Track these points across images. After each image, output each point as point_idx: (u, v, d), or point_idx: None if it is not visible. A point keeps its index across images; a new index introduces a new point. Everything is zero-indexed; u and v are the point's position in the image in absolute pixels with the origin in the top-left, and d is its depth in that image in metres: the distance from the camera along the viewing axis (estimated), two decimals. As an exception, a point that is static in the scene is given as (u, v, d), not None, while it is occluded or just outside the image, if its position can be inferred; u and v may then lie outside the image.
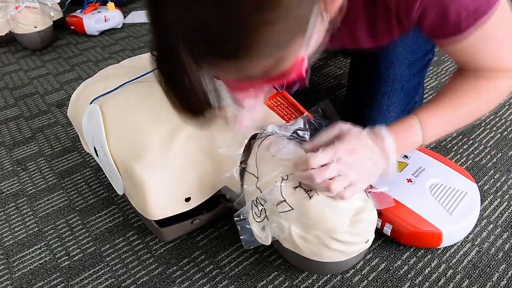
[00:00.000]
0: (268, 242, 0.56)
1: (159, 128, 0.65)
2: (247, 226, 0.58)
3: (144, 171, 0.62)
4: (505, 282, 0.63)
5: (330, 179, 0.53)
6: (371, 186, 0.60)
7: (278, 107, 0.69)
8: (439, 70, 1.22)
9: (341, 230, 0.54)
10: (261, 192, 0.57)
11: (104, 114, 0.69)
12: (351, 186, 0.55)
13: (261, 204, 0.56)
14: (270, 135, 0.62)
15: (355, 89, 0.91)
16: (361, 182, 0.56)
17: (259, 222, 0.56)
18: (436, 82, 1.16)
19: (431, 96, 1.08)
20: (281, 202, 0.54)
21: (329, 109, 0.66)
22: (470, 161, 0.86)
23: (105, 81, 0.77)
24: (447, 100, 0.63)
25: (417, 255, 0.68)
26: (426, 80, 1.17)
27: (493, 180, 0.82)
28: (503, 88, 0.64)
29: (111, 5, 1.65)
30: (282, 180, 0.56)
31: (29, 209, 0.83)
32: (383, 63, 0.83)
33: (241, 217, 0.58)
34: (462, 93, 0.63)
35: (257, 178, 0.59)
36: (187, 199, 0.64)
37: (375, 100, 0.84)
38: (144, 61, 0.86)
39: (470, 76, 0.64)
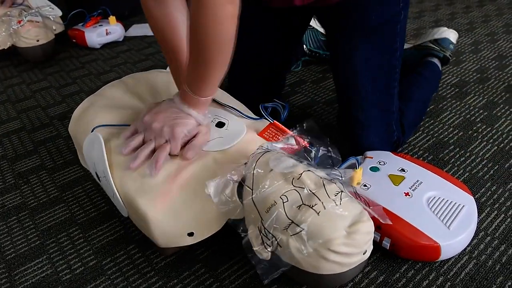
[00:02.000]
0: (268, 258, 0.57)
1: (165, 166, 0.67)
2: (262, 260, 0.58)
3: (148, 207, 0.63)
4: (503, 294, 0.64)
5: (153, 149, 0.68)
6: (367, 204, 0.61)
7: (273, 137, 0.72)
8: (459, 69, 1.27)
9: (338, 242, 0.54)
10: (255, 206, 0.58)
11: (110, 147, 0.71)
12: (172, 140, 0.67)
13: (269, 232, 0.57)
14: (267, 151, 0.63)
15: (340, 110, 0.95)
16: (177, 131, 0.67)
17: (270, 252, 0.57)
18: (457, 79, 1.20)
19: (453, 93, 1.10)
20: (290, 224, 0.55)
21: (313, 127, 0.69)
22: (467, 174, 0.87)
23: (110, 112, 0.79)
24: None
25: (415, 268, 0.69)
26: (447, 77, 1.20)
27: (490, 192, 0.82)
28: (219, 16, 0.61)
29: (112, 18, 1.68)
30: (283, 202, 0.56)
31: (31, 222, 0.84)
32: (348, 84, 0.88)
33: (254, 249, 0.58)
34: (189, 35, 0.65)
35: (252, 190, 0.60)
36: (190, 234, 0.65)
37: (354, 119, 0.88)
38: (147, 82, 0.87)
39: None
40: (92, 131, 0.75)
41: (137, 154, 0.67)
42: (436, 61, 1.14)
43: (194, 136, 0.70)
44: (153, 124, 0.68)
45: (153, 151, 0.68)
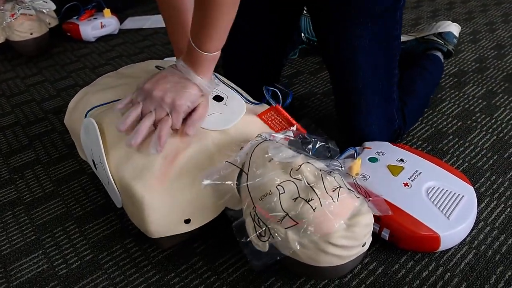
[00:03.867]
0: (266, 249, 0.56)
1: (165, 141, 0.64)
2: (253, 248, 0.57)
3: (144, 192, 0.62)
4: (503, 284, 0.63)
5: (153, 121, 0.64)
6: (368, 195, 0.60)
7: (272, 121, 0.71)
8: (458, 59, 1.27)
9: (337, 234, 0.54)
10: (249, 192, 0.57)
11: (104, 129, 0.69)
12: (174, 113, 0.63)
13: (263, 223, 0.56)
14: (266, 140, 0.62)
15: (338, 100, 0.93)
16: (179, 104, 0.63)
17: (265, 241, 0.56)
18: (456, 69, 1.20)
19: (451, 83, 1.09)
20: (284, 217, 0.54)
21: (310, 126, 0.68)
22: (466, 164, 0.87)
23: (104, 92, 0.77)
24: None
25: (415, 259, 0.68)
26: (445, 67, 1.19)
27: (489, 182, 0.82)
28: None
29: (107, 11, 1.66)
30: (280, 193, 0.55)
31: (26, 217, 0.83)
32: (347, 73, 0.87)
33: (247, 240, 0.57)
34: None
35: (247, 176, 0.59)
36: (187, 221, 0.64)
37: (354, 108, 0.87)
38: (142, 68, 0.86)
39: None
40: (86, 116, 0.73)
41: (137, 129, 0.63)
42: (439, 54, 1.13)
43: (194, 108, 0.66)
44: (153, 92, 0.63)
45: (154, 123, 0.65)
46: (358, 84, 0.86)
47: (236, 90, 0.77)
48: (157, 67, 0.81)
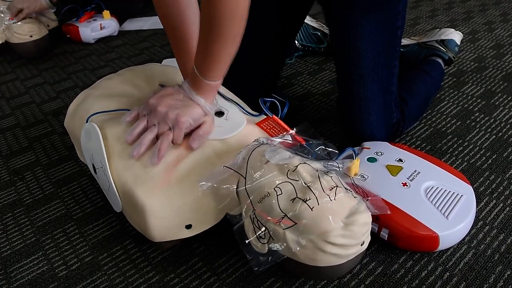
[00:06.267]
0: (265, 251, 0.56)
1: (164, 155, 0.65)
2: (254, 250, 0.57)
3: (146, 198, 0.62)
4: (502, 283, 0.63)
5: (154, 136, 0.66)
6: (366, 195, 0.60)
7: (271, 129, 0.72)
8: (457, 58, 1.28)
9: (335, 233, 0.54)
10: (248, 195, 0.58)
11: (106, 134, 0.69)
12: (176, 129, 0.65)
13: (263, 225, 0.56)
14: (263, 144, 0.62)
15: (340, 89, 0.94)
16: (181, 121, 0.65)
17: (264, 243, 0.56)
18: (455, 69, 1.21)
19: (450, 82, 1.09)
20: (283, 217, 0.55)
21: (308, 129, 0.68)
22: (465, 163, 0.87)
23: (105, 100, 0.78)
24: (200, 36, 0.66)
25: (414, 258, 0.68)
26: (444, 66, 1.18)
27: (488, 181, 0.82)
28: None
29: (106, 13, 1.66)
30: (277, 195, 0.56)
31: (26, 219, 0.83)
32: (349, 60, 0.88)
33: (247, 242, 0.58)
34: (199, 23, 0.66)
35: (245, 179, 0.59)
36: (188, 226, 0.64)
37: (354, 96, 0.88)
38: (144, 74, 0.86)
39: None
40: (87, 121, 0.74)
41: (140, 141, 0.66)
42: (440, 61, 1.13)
43: (199, 126, 0.68)
44: (158, 107, 0.66)
45: (156, 137, 0.67)
46: (359, 70, 0.86)
47: (236, 103, 0.77)
48: (160, 85, 0.82)
